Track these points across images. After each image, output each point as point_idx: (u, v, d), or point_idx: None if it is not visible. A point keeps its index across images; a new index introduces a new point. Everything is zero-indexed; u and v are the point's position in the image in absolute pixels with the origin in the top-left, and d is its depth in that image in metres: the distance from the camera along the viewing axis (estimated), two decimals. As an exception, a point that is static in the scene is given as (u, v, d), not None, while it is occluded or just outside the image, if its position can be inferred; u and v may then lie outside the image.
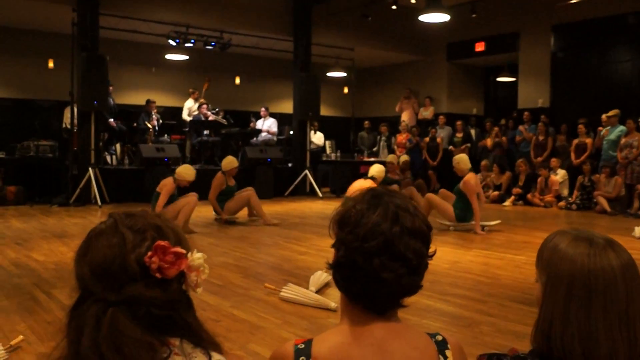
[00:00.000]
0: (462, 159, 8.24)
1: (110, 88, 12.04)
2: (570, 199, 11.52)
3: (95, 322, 1.06)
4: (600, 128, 11.89)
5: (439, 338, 1.32)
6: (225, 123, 13.71)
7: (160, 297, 1.09)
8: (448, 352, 1.30)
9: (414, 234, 1.26)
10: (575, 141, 12.26)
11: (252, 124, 14.48)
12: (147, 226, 1.16)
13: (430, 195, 8.65)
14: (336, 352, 1.25)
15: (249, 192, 8.99)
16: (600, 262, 1.32)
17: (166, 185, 7.78)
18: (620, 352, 1.30)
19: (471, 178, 8.07)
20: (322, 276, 4.71)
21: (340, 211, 1.33)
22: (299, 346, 1.28)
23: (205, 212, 10.01)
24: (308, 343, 1.28)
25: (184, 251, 1.13)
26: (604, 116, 11.74)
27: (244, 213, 9.15)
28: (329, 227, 1.33)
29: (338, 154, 14.99)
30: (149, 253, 1.10)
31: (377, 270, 1.22)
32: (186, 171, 7.87)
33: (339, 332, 1.29)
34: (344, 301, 1.32)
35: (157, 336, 1.08)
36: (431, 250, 1.31)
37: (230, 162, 8.96)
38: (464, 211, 8.14)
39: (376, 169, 8.32)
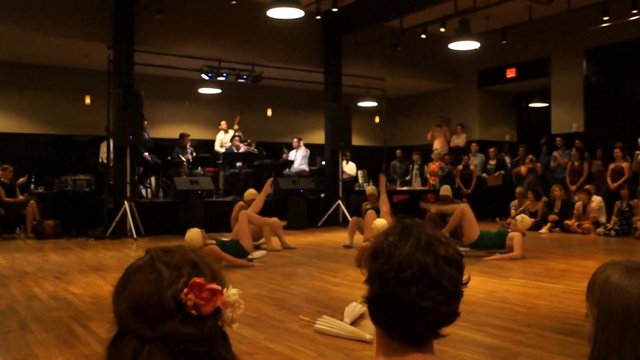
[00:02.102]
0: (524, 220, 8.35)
1: (145, 122, 12.27)
2: (608, 225, 11.29)
3: (133, 358, 1.07)
4: (638, 152, 11.69)
5: None
6: (257, 152, 13.83)
7: (196, 334, 1.10)
8: None
9: (448, 262, 1.25)
10: (612, 166, 12.06)
11: (284, 155, 14.57)
12: (183, 262, 1.17)
13: (466, 207, 8.57)
14: None
15: (272, 220, 8.98)
16: None
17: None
18: None
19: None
20: (356, 307, 4.67)
21: (371, 245, 1.32)
22: None
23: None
24: None
25: (219, 287, 1.14)
26: (640, 140, 11.55)
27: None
28: (360, 263, 1.32)
29: (370, 183, 14.97)
30: (185, 290, 1.12)
31: (416, 299, 1.21)
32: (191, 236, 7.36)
33: None
34: (379, 336, 1.31)
35: None
36: (465, 277, 1.29)
37: (250, 193, 9.18)
38: (484, 240, 8.19)
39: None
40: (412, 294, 1.22)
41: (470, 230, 8.22)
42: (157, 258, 1.18)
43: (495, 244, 8.27)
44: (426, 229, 1.30)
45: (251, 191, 9.23)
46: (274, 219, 9.28)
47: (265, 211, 12.32)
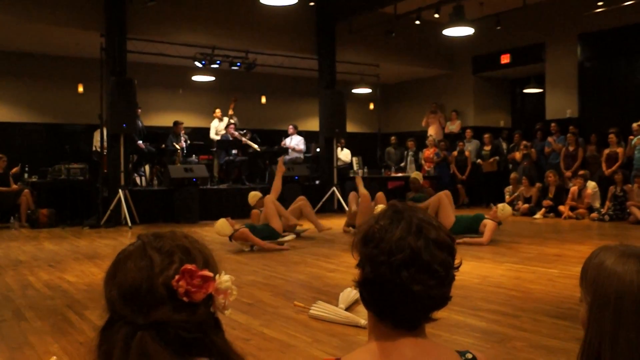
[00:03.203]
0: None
1: (139, 110, 12.22)
2: (602, 210, 11.33)
3: (124, 345, 1.06)
4: (632, 137, 11.72)
5: (469, 356, 1.28)
6: (257, 148, 13.78)
7: (188, 320, 1.09)
8: None
9: (439, 246, 1.23)
10: (607, 151, 12.08)
11: (283, 143, 14.54)
12: (174, 248, 1.16)
13: (443, 196, 8.58)
14: None
15: (300, 202, 8.92)
16: None
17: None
18: None
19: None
20: (351, 293, 4.68)
21: (362, 229, 1.30)
22: None
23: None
24: None
25: (211, 274, 1.13)
26: (634, 125, 11.58)
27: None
28: (352, 247, 1.31)
29: (365, 170, 14.97)
30: (177, 277, 1.11)
31: (406, 283, 1.20)
32: (221, 225, 7.71)
33: (367, 351, 1.26)
34: (371, 320, 1.30)
35: (186, 358, 1.09)
36: (457, 261, 1.28)
37: (253, 195, 9.13)
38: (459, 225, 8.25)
39: None
40: (403, 278, 1.20)
41: (446, 219, 8.23)
42: (149, 244, 1.17)
43: (469, 228, 8.28)
44: (418, 213, 1.28)
45: (253, 193, 9.19)
46: (301, 201, 9.16)
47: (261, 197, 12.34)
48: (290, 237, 8.40)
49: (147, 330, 1.07)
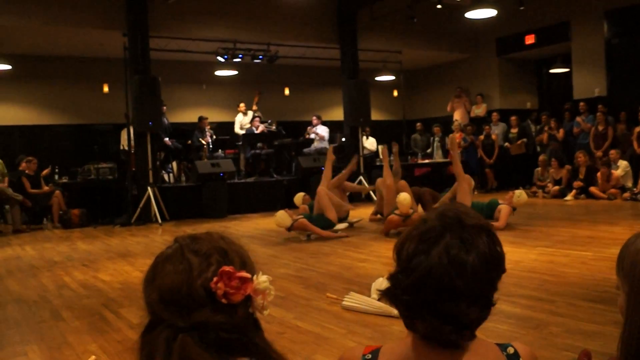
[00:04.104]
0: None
1: (164, 108, 12.31)
2: (635, 189, 11.13)
3: (166, 348, 1.08)
4: (663, 113, 11.48)
5: (511, 351, 1.23)
6: (275, 131, 13.82)
7: (227, 322, 1.10)
8: None
9: (463, 296, 1.13)
10: (637, 129, 11.85)
11: (307, 134, 14.52)
12: (212, 250, 1.17)
13: (470, 180, 8.57)
14: None
15: (319, 191, 8.91)
16: None
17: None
18: None
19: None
20: (383, 283, 4.66)
21: (401, 238, 1.24)
22: (366, 356, 1.25)
23: (263, 224, 10.10)
24: (375, 353, 1.25)
25: (249, 275, 1.14)
26: (665, 101, 11.34)
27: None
28: (387, 233, 1.28)
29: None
30: (215, 279, 1.11)
31: (417, 324, 1.16)
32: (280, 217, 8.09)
33: (406, 345, 1.24)
34: None
35: (226, 359, 1.09)
36: (495, 297, 1.20)
37: (297, 198, 9.28)
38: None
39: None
40: (415, 320, 1.16)
41: (464, 200, 8.17)
42: (186, 247, 1.18)
43: (484, 214, 8.18)
44: (458, 240, 1.17)
45: (297, 195, 9.34)
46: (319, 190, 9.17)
47: (288, 190, 12.40)
48: (344, 225, 8.66)
49: (188, 333, 1.08)
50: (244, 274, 1.13)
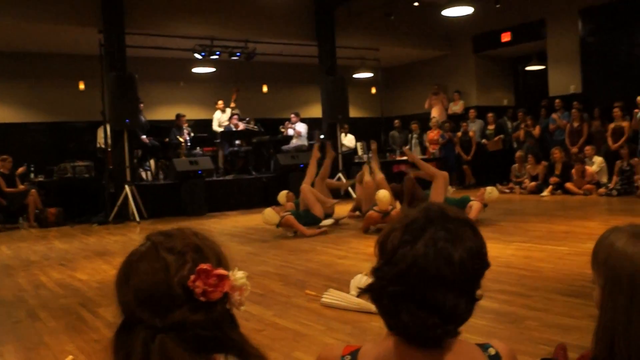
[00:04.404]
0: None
1: (141, 105, 12.20)
2: (609, 185, 11.29)
3: (144, 349, 1.07)
4: (637, 110, 11.63)
5: (492, 352, 1.22)
6: (256, 129, 13.80)
7: (205, 320, 1.10)
8: None
9: (451, 285, 1.13)
10: (612, 125, 12.02)
11: (284, 131, 14.48)
12: (186, 247, 1.16)
13: (445, 175, 8.65)
14: None
15: (303, 188, 8.88)
16: None
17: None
18: None
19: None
20: (362, 279, 4.69)
21: (383, 233, 1.23)
22: (345, 357, 1.24)
23: (242, 221, 10.08)
24: (354, 354, 1.24)
25: (226, 273, 1.13)
26: (639, 98, 11.49)
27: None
28: (366, 230, 1.26)
29: (370, 155, 14.93)
30: (192, 277, 1.10)
31: (403, 319, 1.13)
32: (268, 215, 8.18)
33: (387, 346, 1.21)
34: None
35: (204, 356, 1.09)
36: (478, 292, 1.19)
37: (281, 196, 9.22)
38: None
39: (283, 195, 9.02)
40: (400, 313, 1.13)
41: (437, 197, 8.24)
42: (160, 244, 1.16)
43: None
44: (443, 232, 1.16)
45: (281, 193, 9.30)
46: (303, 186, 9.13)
47: (266, 187, 12.37)
48: (329, 221, 8.72)
49: (166, 333, 1.07)
50: (222, 271, 1.13)
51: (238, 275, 1.15)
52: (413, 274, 1.12)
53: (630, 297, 1.22)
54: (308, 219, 8.38)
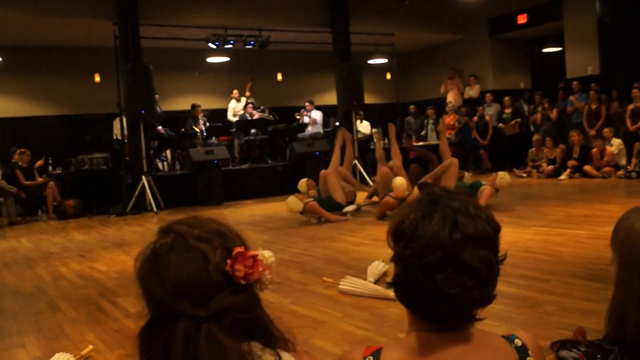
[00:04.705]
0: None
1: (156, 96, 12.25)
2: (629, 167, 11.15)
3: (185, 341, 1.04)
4: (656, 91, 11.46)
5: (518, 343, 1.20)
6: (272, 119, 13.80)
7: (243, 302, 1.10)
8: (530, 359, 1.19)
9: (478, 241, 1.13)
10: (630, 106, 11.84)
11: (300, 120, 14.45)
12: (211, 234, 1.14)
13: (455, 161, 8.59)
14: None
15: (324, 174, 8.87)
16: None
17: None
18: None
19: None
20: (379, 266, 4.69)
21: (394, 222, 1.21)
22: (367, 359, 1.20)
23: (259, 210, 10.10)
24: (376, 355, 1.20)
25: (257, 253, 1.13)
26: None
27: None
28: (387, 237, 1.21)
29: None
30: (229, 261, 1.10)
31: (442, 286, 1.10)
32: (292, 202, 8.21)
33: (409, 345, 1.19)
34: (410, 316, 1.22)
35: (242, 340, 1.10)
36: (501, 254, 1.19)
37: (301, 184, 9.21)
38: None
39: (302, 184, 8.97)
40: (438, 281, 1.10)
41: (449, 182, 8.21)
42: (187, 234, 1.13)
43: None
44: (454, 201, 1.17)
45: (301, 182, 9.31)
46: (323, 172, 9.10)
47: (283, 176, 12.41)
48: (352, 207, 8.76)
49: (211, 321, 1.06)
50: (254, 252, 1.13)
51: (267, 254, 1.15)
52: (441, 241, 1.12)
53: None
54: (331, 205, 8.45)
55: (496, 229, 1.19)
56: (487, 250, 1.14)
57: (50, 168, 12.13)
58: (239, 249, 1.11)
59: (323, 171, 8.84)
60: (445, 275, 1.10)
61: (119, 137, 11.71)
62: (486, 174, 13.00)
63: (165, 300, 1.08)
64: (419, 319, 1.19)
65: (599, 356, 1.27)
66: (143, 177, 10.69)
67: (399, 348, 1.20)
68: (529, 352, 1.19)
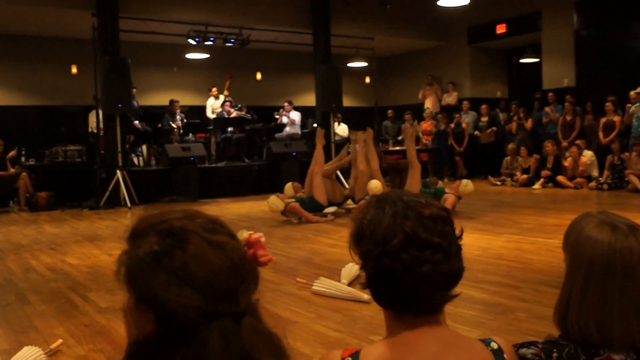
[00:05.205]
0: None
1: (134, 90, 12.15)
2: (600, 179, 11.34)
3: (224, 340, 0.97)
4: (629, 105, 11.67)
5: (495, 346, 1.23)
6: (249, 117, 13.77)
7: (255, 287, 1.07)
8: None
9: (433, 219, 1.19)
10: (603, 119, 12.05)
11: (279, 119, 14.44)
12: (214, 224, 1.08)
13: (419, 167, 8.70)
14: None
15: (311, 172, 8.85)
16: (621, 247, 1.33)
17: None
18: (637, 336, 1.33)
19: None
20: (353, 268, 4.70)
21: (352, 230, 1.26)
22: (345, 359, 1.22)
23: (233, 208, 10.08)
24: (355, 356, 1.22)
25: (260, 234, 1.12)
26: (632, 93, 11.52)
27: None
28: (350, 249, 1.25)
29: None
30: (250, 250, 1.08)
31: (411, 266, 1.15)
32: (274, 202, 8.26)
33: (388, 346, 1.21)
34: (388, 319, 1.24)
35: None
36: (457, 231, 1.24)
37: (287, 189, 8.97)
38: None
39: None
40: (406, 262, 1.15)
41: (412, 187, 8.29)
42: (196, 231, 1.03)
43: None
44: (403, 195, 1.24)
45: (288, 186, 9.09)
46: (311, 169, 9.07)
47: (259, 175, 12.38)
48: (333, 209, 8.77)
49: (247, 313, 1.02)
50: (258, 234, 1.11)
51: (259, 235, 1.12)
52: (398, 224, 1.18)
53: (586, 280, 1.35)
54: (312, 205, 8.46)
55: (447, 210, 1.26)
56: (443, 225, 1.20)
57: (23, 159, 11.94)
58: (254, 235, 1.10)
59: (310, 169, 8.83)
60: (410, 254, 1.16)
61: (95, 130, 11.58)
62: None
63: (194, 308, 0.96)
64: (396, 319, 1.22)
65: (555, 350, 1.37)
66: (118, 171, 10.59)
67: (378, 349, 1.23)
68: (505, 356, 1.23)
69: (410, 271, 1.16)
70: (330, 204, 8.79)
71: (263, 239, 1.13)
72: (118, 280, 1.02)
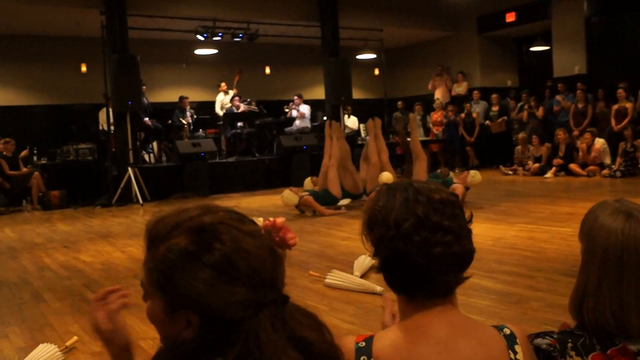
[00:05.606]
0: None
1: (143, 87, 12.17)
2: (613, 166, 11.25)
3: (273, 327, 0.98)
4: (641, 91, 11.56)
5: (507, 332, 1.25)
6: (258, 111, 13.75)
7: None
8: (518, 347, 1.22)
9: (443, 203, 1.22)
10: (615, 106, 11.95)
11: (289, 113, 14.43)
12: (240, 217, 1.07)
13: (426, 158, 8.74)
14: (399, 351, 1.20)
15: (325, 164, 8.86)
16: (635, 235, 1.32)
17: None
18: None
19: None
20: (365, 260, 4.70)
21: (365, 217, 1.29)
22: (359, 344, 1.23)
23: (245, 203, 10.08)
24: (369, 341, 1.23)
25: (282, 219, 1.17)
26: (644, 79, 11.42)
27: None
28: (362, 237, 1.28)
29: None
30: (279, 235, 1.11)
31: (423, 248, 1.18)
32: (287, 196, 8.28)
33: (401, 330, 1.24)
34: (401, 303, 1.26)
35: None
36: (467, 214, 1.27)
37: (307, 183, 9.02)
38: None
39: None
40: (418, 244, 1.18)
41: (419, 176, 8.28)
42: (227, 222, 1.02)
43: None
44: (413, 182, 1.27)
45: (307, 180, 9.16)
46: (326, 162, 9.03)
47: (269, 169, 12.39)
48: (346, 201, 8.78)
49: (286, 297, 1.03)
50: (280, 218, 1.16)
51: (282, 220, 1.19)
52: (410, 208, 1.21)
53: (601, 269, 1.34)
54: (326, 198, 8.49)
55: (456, 195, 1.29)
56: (452, 209, 1.23)
57: (35, 158, 12.02)
58: (278, 219, 1.11)
59: (325, 161, 8.84)
60: (422, 236, 1.19)
61: (105, 128, 11.62)
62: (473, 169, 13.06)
63: (243, 303, 0.96)
64: (409, 303, 1.24)
65: (569, 340, 1.36)
66: (129, 168, 10.62)
67: (391, 332, 1.25)
68: (517, 341, 1.24)
69: (423, 253, 1.19)
70: (350, 196, 8.82)
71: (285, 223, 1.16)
72: (149, 288, 1.00)
